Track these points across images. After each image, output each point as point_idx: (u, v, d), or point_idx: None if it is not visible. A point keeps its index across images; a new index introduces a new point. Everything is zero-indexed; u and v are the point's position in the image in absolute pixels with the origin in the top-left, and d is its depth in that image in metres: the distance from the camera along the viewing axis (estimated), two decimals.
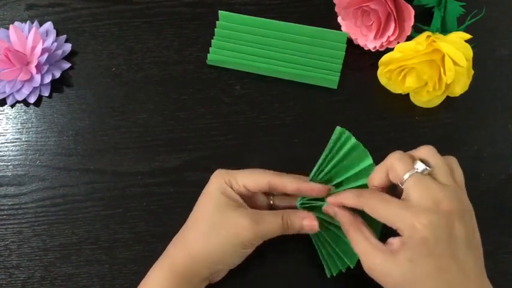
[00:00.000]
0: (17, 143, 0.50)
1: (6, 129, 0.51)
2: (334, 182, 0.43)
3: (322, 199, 0.42)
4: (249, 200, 0.42)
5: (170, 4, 0.56)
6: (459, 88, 0.47)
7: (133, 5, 0.56)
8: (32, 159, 0.50)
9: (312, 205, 0.42)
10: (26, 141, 0.50)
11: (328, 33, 0.51)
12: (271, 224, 0.40)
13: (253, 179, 0.41)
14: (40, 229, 0.47)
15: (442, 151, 0.48)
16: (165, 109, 0.51)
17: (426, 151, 0.37)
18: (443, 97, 0.48)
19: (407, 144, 0.48)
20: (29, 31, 0.52)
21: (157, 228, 0.46)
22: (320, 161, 0.43)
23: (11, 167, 0.49)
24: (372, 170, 0.41)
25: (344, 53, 0.51)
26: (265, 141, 0.49)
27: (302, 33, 0.51)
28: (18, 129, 0.51)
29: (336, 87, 0.51)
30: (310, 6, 0.55)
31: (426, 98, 0.49)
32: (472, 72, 0.47)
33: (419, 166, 0.36)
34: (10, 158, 0.50)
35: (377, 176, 0.39)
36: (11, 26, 0.52)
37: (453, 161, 0.38)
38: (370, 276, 0.36)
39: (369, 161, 0.43)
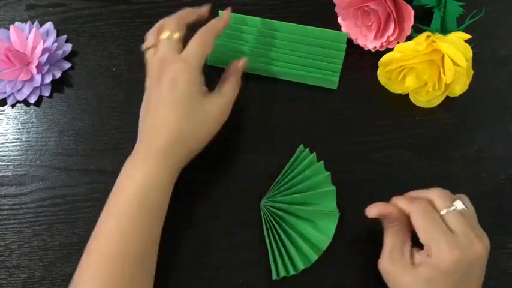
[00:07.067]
0: (18, 143, 0.50)
1: (7, 129, 0.51)
2: (294, 189, 0.46)
3: (288, 201, 0.45)
4: None
5: (170, 4, 0.56)
6: (459, 88, 0.47)
7: (134, 5, 0.56)
8: (32, 159, 0.50)
9: (277, 206, 0.45)
10: (26, 141, 0.50)
11: (328, 33, 0.51)
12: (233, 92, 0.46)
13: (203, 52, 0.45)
14: (40, 229, 0.47)
15: (442, 151, 0.49)
16: None
17: (463, 196, 0.40)
18: (443, 97, 0.48)
19: (407, 144, 0.49)
20: (30, 31, 0.53)
21: None
22: (280, 175, 0.46)
23: (11, 167, 0.49)
24: (327, 180, 0.46)
25: (344, 53, 0.51)
26: (265, 142, 0.49)
27: (302, 33, 0.51)
28: (19, 129, 0.51)
29: (336, 88, 0.51)
30: (310, 6, 0.55)
31: (426, 98, 0.49)
32: (472, 72, 0.47)
33: (459, 205, 0.38)
34: (10, 158, 0.50)
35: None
36: (11, 26, 0.52)
37: (467, 199, 0.41)
38: (381, 273, 0.40)
39: (324, 173, 0.46)
